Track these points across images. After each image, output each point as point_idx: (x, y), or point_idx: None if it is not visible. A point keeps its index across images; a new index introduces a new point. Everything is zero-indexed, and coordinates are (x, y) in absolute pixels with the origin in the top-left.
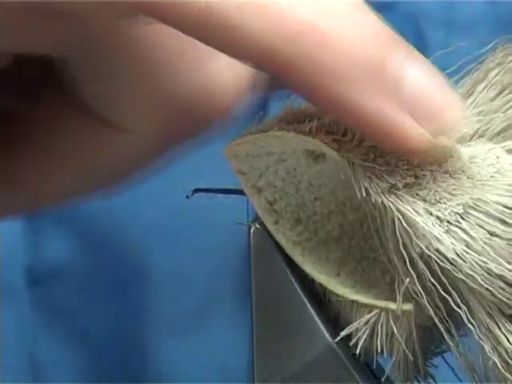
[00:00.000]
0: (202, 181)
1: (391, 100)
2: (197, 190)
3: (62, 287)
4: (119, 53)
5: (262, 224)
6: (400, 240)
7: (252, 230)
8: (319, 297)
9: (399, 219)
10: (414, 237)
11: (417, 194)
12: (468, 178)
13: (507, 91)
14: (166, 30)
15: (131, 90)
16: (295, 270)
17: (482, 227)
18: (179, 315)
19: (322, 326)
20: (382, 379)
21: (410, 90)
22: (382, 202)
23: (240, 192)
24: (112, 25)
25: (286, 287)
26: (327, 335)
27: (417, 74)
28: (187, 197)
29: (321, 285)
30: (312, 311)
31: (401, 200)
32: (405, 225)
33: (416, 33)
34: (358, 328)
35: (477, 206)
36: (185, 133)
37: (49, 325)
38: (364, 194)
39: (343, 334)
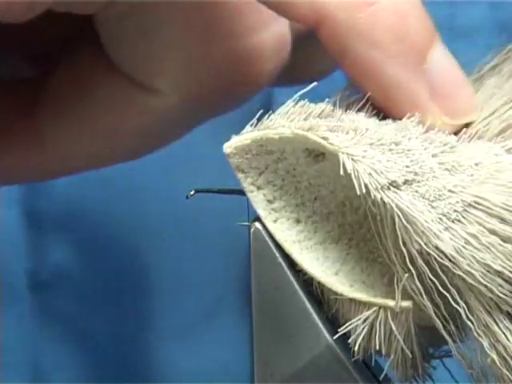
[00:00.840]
0: (202, 181)
1: (422, 78)
2: (197, 191)
3: (63, 291)
4: (165, 13)
5: (262, 224)
6: (400, 237)
7: (252, 230)
8: (318, 296)
9: (399, 216)
10: (413, 234)
11: (416, 191)
12: (467, 176)
13: (504, 93)
14: None
15: (164, 51)
16: (295, 270)
17: (481, 225)
18: (180, 317)
19: (322, 326)
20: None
21: (441, 79)
22: (382, 199)
23: (240, 192)
24: None
25: (286, 287)
26: (327, 335)
27: (446, 67)
28: (187, 197)
29: (319, 283)
30: (312, 311)
31: (400, 197)
32: (404, 222)
33: None
34: (356, 326)
35: (476, 203)
36: (213, 99)
37: (50, 329)
38: (364, 191)
39: (341, 332)
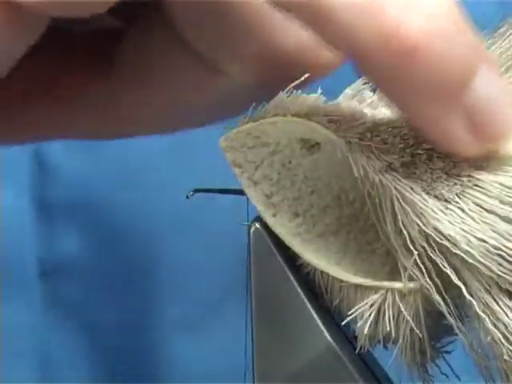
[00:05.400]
0: (202, 181)
1: (458, 114)
2: (197, 190)
3: (73, 279)
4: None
5: (262, 224)
6: (399, 219)
7: (252, 230)
8: (320, 295)
9: (397, 198)
10: (412, 215)
11: (414, 173)
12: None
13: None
14: None
15: (238, 37)
16: (296, 267)
17: (479, 206)
18: (180, 315)
19: (322, 326)
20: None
21: (479, 108)
22: (380, 181)
23: (240, 192)
24: None
25: (286, 287)
26: (327, 335)
27: (487, 93)
28: (187, 197)
29: (322, 273)
30: (312, 311)
31: (398, 179)
32: (403, 203)
33: None
34: (363, 312)
35: (474, 185)
36: (281, 86)
37: (59, 316)
38: (362, 173)
39: (349, 317)
